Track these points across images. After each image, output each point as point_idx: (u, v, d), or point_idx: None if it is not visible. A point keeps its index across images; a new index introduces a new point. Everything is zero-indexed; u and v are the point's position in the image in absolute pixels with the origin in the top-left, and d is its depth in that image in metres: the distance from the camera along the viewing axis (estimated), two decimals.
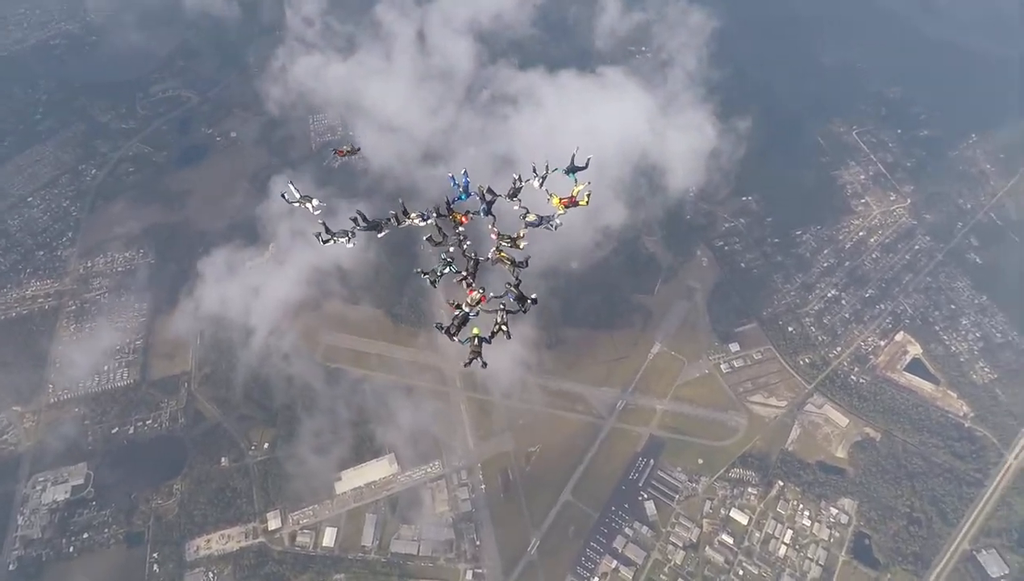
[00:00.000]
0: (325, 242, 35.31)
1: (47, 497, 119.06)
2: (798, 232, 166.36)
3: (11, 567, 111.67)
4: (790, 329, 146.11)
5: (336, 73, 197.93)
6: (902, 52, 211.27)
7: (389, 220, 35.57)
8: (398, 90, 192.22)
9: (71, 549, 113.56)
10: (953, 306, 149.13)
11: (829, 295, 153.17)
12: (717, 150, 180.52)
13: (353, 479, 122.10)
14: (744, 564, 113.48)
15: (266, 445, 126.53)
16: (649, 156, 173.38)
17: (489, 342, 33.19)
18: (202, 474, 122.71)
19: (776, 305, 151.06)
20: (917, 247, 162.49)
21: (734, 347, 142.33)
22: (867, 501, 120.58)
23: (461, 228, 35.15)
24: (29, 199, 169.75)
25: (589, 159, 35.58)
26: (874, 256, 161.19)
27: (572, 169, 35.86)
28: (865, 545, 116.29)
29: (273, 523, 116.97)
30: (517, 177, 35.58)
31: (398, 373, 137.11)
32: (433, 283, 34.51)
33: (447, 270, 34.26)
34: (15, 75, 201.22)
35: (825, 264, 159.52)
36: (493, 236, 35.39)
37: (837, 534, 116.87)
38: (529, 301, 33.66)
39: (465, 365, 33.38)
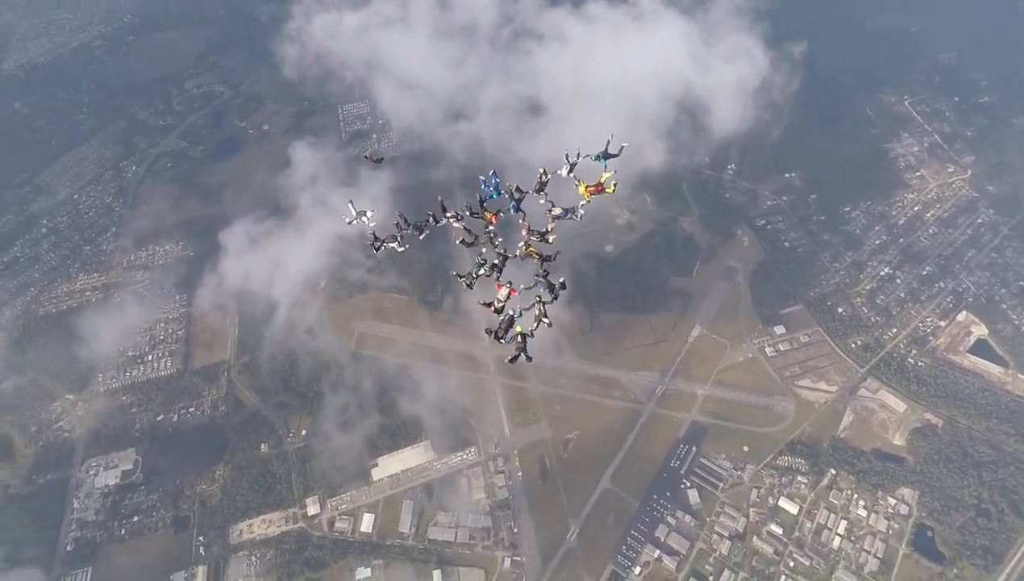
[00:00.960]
0: (377, 250, 38.27)
1: (100, 481, 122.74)
2: (846, 208, 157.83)
3: (68, 548, 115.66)
4: (840, 310, 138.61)
5: (352, 24, 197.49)
6: (957, 14, 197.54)
7: (428, 221, 37.63)
8: (418, 41, 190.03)
9: (123, 532, 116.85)
10: (1022, 283, 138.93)
11: (882, 273, 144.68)
12: (768, 81, 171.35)
13: (389, 466, 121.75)
14: (795, 555, 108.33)
15: (303, 432, 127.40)
16: (692, 92, 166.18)
17: (532, 337, 34.06)
18: (243, 460, 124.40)
19: (824, 285, 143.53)
20: (980, 221, 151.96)
21: (779, 330, 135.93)
22: (929, 491, 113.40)
23: (491, 226, 36.30)
24: (75, 197, 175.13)
25: (623, 147, 35.29)
26: (931, 231, 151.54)
27: (605, 155, 35.49)
28: (928, 537, 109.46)
29: (312, 508, 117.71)
30: (543, 171, 35.95)
31: (432, 360, 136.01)
32: (470, 286, 35.67)
33: (482, 271, 35.30)
34: (59, 78, 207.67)
35: (877, 241, 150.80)
36: (524, 232, 35.99)
37: (896, 526, 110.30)
38: (558, 287, 34.31)
39: (510, 361, 34.41)
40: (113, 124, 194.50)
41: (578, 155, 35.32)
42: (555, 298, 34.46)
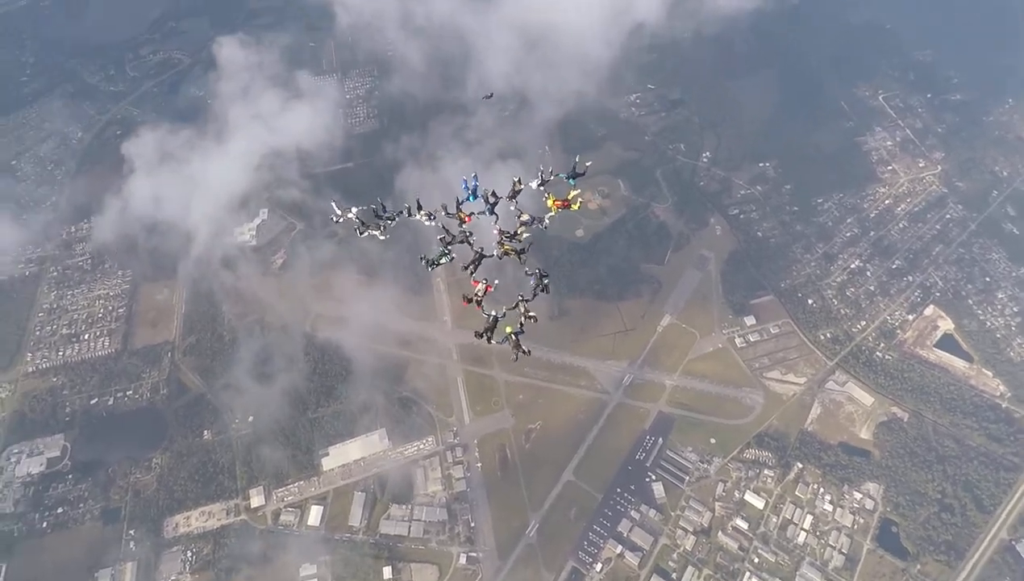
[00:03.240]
0: (361, 234, 40.53)
1: (21, 470, 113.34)
2: (819, 200, 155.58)
3: None
4: (810, 301, 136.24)
5: None
6: (933, 12, 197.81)
7: (402, 213, 40.13)
8: None
9: (44, 525, 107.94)
10: (988, 279, 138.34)
11: (853, 266, 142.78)
12: None
13: (341, 455, 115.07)
14: (760, 551, 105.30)
15: (251, 418, 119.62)
16: None
17: (523, 333, 36.45)
18: (183, 448, 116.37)
19: (795, 276, 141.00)
20: (949, 216, 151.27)
21: (750, 320, 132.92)
22: (894, 486, 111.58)
23: (465, 226, 38.96)
24: (13, 163, 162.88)
25: (588, 165, 39.08)
26: (902, 226, 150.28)
27: (573, 175, 38.97)
28: (892, 533, 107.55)
29: (256, 500, 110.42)
30: (517, 180, 38.94)
31: (392, 344, 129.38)
32: (429, 265, 38.81)
33: (444, 260, 38.72)
34: (1, 37, 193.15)
35: (848, 234, 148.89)
36: (495, 232, 38.95)
37: (862, 520, 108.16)
38: (540, 286, 37.23)
39: (514, 360, 37.36)
40: (60, 88, 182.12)
41: (550, 172, 38.85)
42: (534, 296, 37.18)
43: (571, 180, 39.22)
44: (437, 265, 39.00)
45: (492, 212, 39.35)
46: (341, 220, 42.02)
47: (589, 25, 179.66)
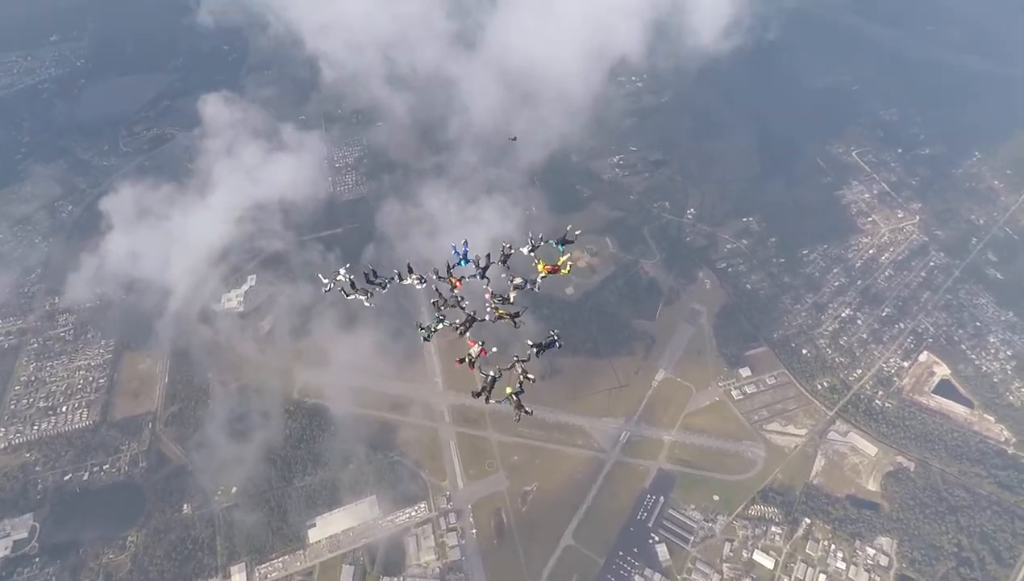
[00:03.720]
0: (348, 297, 41.40)
1: None
2: (804, 251, 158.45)
3: None
4: (804, 351, 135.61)
5: None
6: (894, 74, 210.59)
7: (393, 278, 41.42)
8: None
9: None
10: (978, 323, 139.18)
11: (843, 315, 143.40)
12: None
13: (329, 525, 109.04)
14: None
15: (234, 489, 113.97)
16: None
17: (523, 392, 38.08)
18: (160, 523, 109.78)
19: (787, 326, 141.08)
20: (932, 263, 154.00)
21: (745, 372, 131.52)
22: (908, 540, 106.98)
23: (456, 290, 40.27)
24: (0, 237, 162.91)
25: (578, 234, 41.50)
26: (887, 274, 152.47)
27: (562, 241, 41.14)
28: None
29: (237, 578, 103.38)
30: (508, 245, 40.84)
31: (381, 408, 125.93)
32: (427, 338, 39.91)
33: (440, 326, 39.58)
34: None
35: (836, 283, 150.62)
36: (487, 296, 40.30)
37: (878, 578, 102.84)
38: (555, 336, 38.97)
39: (516, 420, 38.83)
40: (53, 164, 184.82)
41: (541, 238, 40.88)
42: (541, 351, 38.50)
43: (560, 246, 41.16)
44: (435, 332, 39.94)
45: (483, 276, 40.55)
46: (330, 289, 42.23)
47: (571, 65, 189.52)
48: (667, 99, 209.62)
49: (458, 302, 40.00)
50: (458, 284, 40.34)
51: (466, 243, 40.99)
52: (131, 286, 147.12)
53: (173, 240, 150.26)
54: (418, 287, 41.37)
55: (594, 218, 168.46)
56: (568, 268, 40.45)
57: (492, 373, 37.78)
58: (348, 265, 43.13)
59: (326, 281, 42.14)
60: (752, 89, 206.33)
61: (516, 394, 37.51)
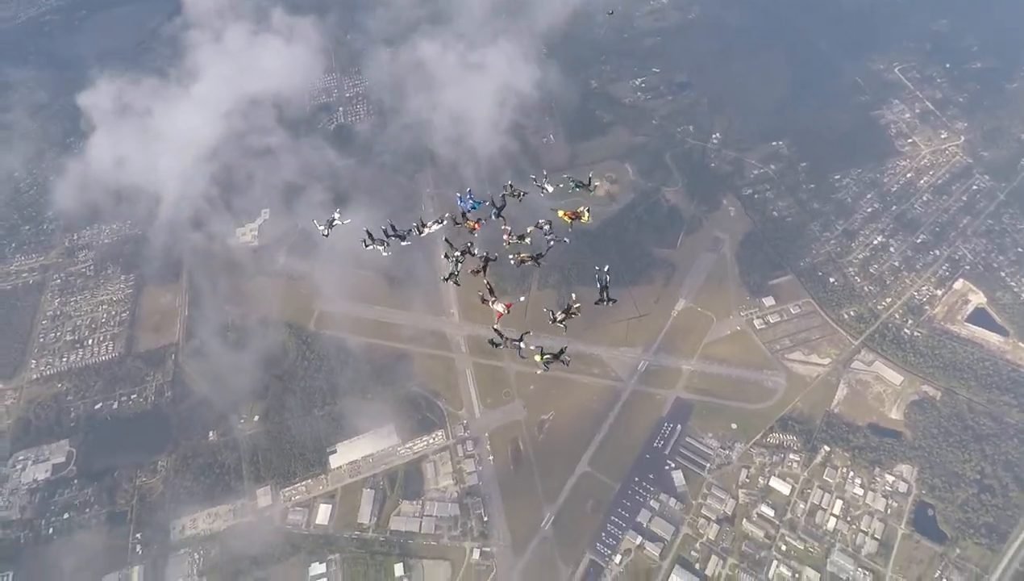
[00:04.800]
0: (367, 246, 44.21)
1: (27, 476, 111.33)
2: (836, 176, 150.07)
3: None
4: (831, 280, 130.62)
5: None
6: None
7: (411, 231, 44.27)
8: None
9: (51, 531, 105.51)
10: (1021, 249, 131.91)
11: (875, 242, 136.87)
12: None
13: (349, 452, 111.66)
14: (787, 538, 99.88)
15: (256, 418, 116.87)
16: None
17: (567, 362, 42.48)
18: (188, 450, 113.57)
19: (815, 255, 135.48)
20: (975, 187, 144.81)
21: (768, 301, 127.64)
22: (929, 467, 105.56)
23: (476, 232, 42.48)
24: (15, 173, 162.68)
25: (595, 182, 45.75)
26: (925, 199, 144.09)
27: (580, 184, 45.40)
28: (929, 516, 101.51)
29: (263, 500, 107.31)
30: (509, 184, 45.13)
31: (398, 339, 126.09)
32: (457, 283, 42.72)
33: (459, 267, 42.09)
34: (5, 52, 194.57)
35: (869, 209, 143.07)
36: (505, 236, 42.46)
37: (895, 504, 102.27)
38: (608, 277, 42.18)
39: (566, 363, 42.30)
40: (61, 98, 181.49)
41: (544, 177, 44.57)
42: (602, 300, 42.28)
43: (578, 188, 45.71)
44: (457, 274, 42.52)
45: (499, 214, 42.80)
46: (327, 234, 47.15)
47: None
48: (694, 16, 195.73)
49: (469, 249, 41.93)
50: (476, 226, 42.53)
51: (469, 192, 43.65)
52: (120, 194, 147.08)
53: (157, 138, 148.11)
54: (435, 228, 44.35)
55: (615, 144, 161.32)
56: (587, 217, 43.35)
57: (517, 341, 41.05)
58: (339, 210, 47.59)
59: (321, 227, 46.32)
60: (786, 2, 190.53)
61: (555, 356, 40.26)
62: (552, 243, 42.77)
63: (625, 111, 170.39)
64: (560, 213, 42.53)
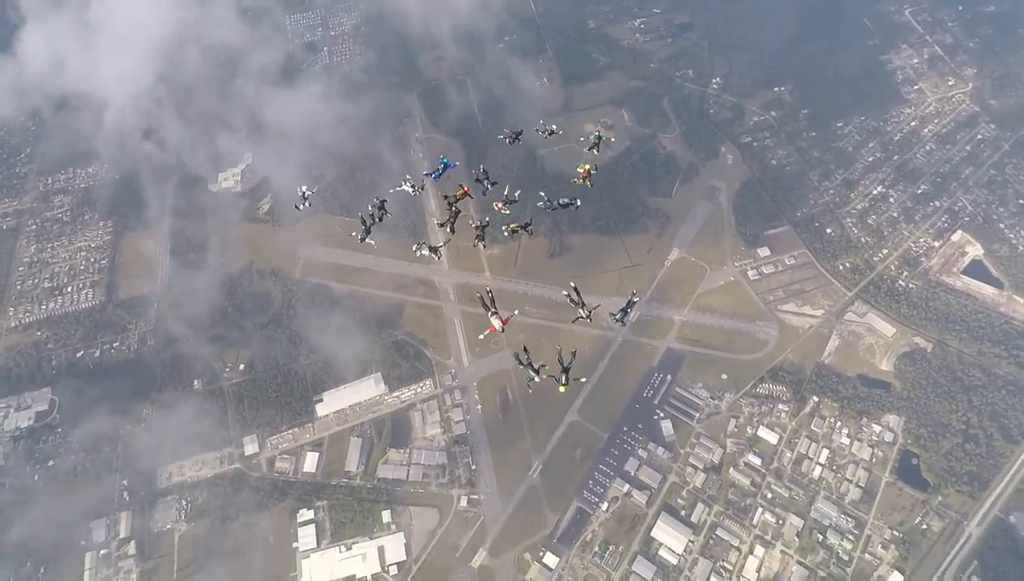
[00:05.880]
0: (362, 240, 47.81)
1: (10, 424, 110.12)
2: (839, 124, 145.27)
3: None
4: (828, 230, 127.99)
5: None
6: None
7: (382, 210, 47.05)
8: None
9: (36, 478, 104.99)
10: (1022, 201, 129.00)
11: (875, 192, 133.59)
12: None
13: (336, 401, 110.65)
14: (773, 486, 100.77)
15: (242, 366, 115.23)
16: None
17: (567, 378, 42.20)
18: (173, 398, 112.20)
19: (812, 205, 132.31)
20: (980, 137, 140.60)
21: (763, 252, 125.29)
22: (916, 417, 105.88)
23: (465, 196, 44.55)
24: None
25: (607, 136, 50.71)
26: (928, 148, 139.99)
27: (595, 143, 48.50)
28: (913, 465, 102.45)
29: (250, 448, 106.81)
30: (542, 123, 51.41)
31: (385, 287, 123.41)
32: (434, 251, 46.12)
33: (445, 243, 47.58)
34: None
35: (870, 158, 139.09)
36: (498, 205, 45.63)
37: (880, 453, 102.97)
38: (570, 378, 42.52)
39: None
40: None
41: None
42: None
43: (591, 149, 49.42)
44: (434, 249, 45.97)
45: (492, 184, 45.60)
46: (303, 208, 53.71)
47: None
48: None
49: (454, 216, 44.78)
50: (467, 189, 44.30)
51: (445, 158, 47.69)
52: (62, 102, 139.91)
53: (98, 31, 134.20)
54: (412, 193, 48.98)
55: (611, 88, 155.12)
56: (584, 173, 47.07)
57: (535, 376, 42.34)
58: (305, 185, 52.90)
59: (297, 205, 52.88)
60: None
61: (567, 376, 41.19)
62: (561, 206, 46.83)
63: (623, 54, 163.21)
64: (581, 173, 46.29)
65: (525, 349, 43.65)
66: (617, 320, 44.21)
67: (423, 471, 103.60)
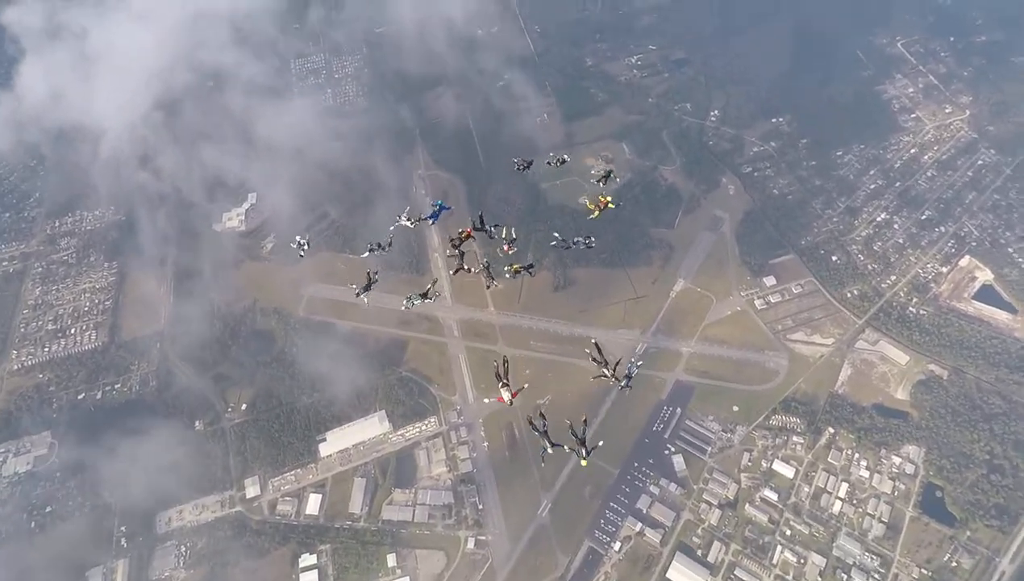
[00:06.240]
0: (358, 295, 51.97)
1: (8, 469, 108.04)
2: (838, 153, 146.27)
3: None
4: (834, 258, 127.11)
5: None
6: None
7: (382, 247, 50.33)
8: None
9: (32, 524, 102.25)
10: None
11: (879, 219, 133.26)
12: None
13: (339, 440, 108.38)
14: (792, 523, 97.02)
15: (244, 406, 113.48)
16: None
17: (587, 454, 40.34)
18: (174, 440, 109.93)
19: (816, 233, 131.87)
20: (981, 162, 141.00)
21: (769, 281, 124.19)
22: (937, 448, 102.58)
23: (470, 238, 45.57)
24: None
25: (614, 173, 53.85)
26: (929, 174, 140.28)
27: (603, 177, 52.48)
28: (937, 498, 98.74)
29: (251, 490, 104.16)
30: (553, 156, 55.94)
31: (389, 324, 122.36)
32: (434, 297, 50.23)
33: (430, 287, 50.36)
34: None
35: (872, 186, 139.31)
36: (505, 247, 46.59)
37: (902, 486, 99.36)
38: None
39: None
40: None
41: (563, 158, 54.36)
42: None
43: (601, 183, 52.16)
44: (431, 290, 50.09)
45: (491, 226, 45.92)
46: (303, 252, 57.01)
47: None
48: None
49: (461, 261, 46.08)
50: (469, 232, 45.31)
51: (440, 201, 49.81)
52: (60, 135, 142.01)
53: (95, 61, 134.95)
54: (411, 225, 49.25)
55: (610, 122, 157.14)
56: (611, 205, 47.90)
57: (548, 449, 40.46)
58: (300, 235, 56.93)
59: (295, 246, 56.52)
60: None
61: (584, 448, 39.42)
62: (575, 245, 49.79)
63: (621, 89, 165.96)
64: (594, 211, 47.68)
65: (542, 414, 40.62)
66: (623, 387, 41.45)
67: (429, 511, 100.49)
